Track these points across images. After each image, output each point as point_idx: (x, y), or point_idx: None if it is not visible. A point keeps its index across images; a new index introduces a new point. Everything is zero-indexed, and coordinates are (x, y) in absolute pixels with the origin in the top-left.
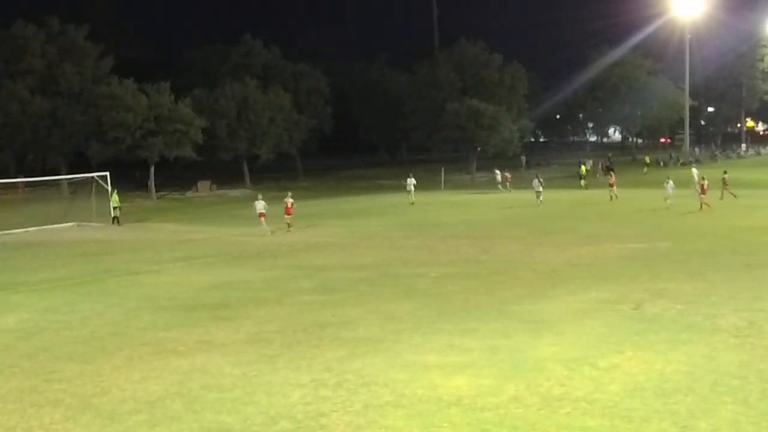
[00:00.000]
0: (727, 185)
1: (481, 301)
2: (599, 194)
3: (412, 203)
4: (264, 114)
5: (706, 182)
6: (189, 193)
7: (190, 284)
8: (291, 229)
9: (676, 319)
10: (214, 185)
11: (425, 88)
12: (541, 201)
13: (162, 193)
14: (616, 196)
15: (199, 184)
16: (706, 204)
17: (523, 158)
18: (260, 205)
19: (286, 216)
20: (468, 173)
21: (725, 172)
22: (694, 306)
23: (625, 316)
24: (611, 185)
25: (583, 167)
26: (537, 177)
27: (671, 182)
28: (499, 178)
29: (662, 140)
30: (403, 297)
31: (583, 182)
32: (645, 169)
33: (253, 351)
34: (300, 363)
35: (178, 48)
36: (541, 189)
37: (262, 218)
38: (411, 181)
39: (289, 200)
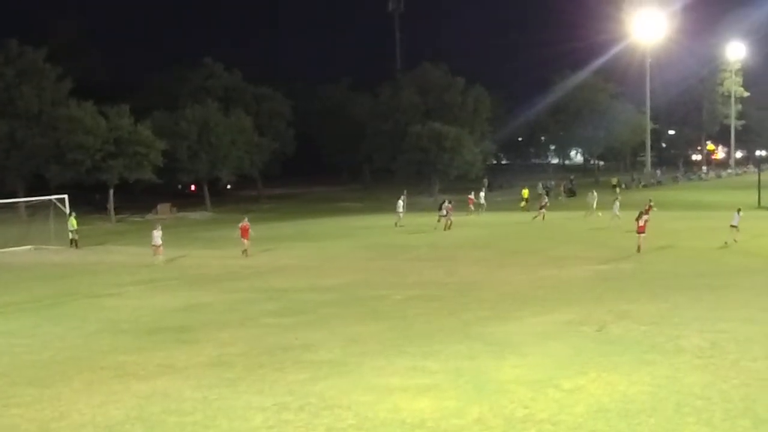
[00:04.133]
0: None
1: (445, 323)
2: (562, 217)
3: (396, 224)
4: (225, 136)
5: (645, 218)
6: (149, 216)
7: (152, 307)
8: (247, 254)
9: (639, 340)
10: (175, 208)
11: (388, 110)
12: (440, 225)
13: (122, 216)
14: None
15: (159, 206)
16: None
17: (485, 181)
18: (157, 236)
19: (243, 240)
20: (430, 196)
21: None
22: (657, 327)
23: (588, 338)
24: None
25: (525, 191)
26: (447, 201)
27: (617, 203)
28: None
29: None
30: (367, 319)
31: (523, 203)
32: (617, 190)
33: (214, 374)
34: (262, 386)
35: (139, 70)
36: (445, 213)
37: (159, 250)
38: (401, 203)
39: (246, 224)
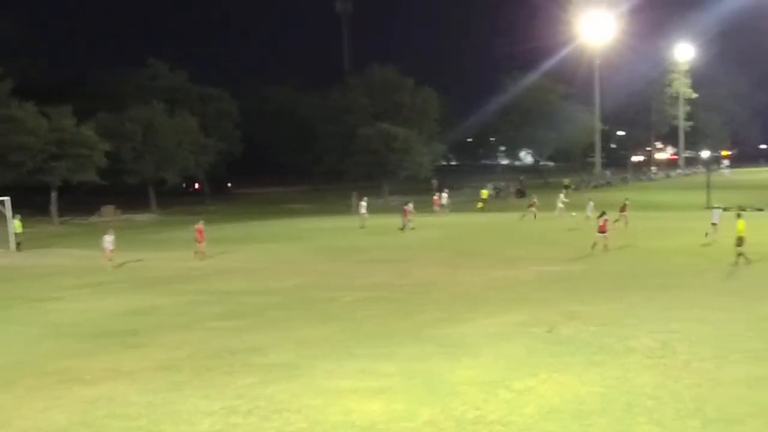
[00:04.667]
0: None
1: (397, 325)
2: (513, 217)
3: (361, 226)
4: (171, 137)
5: (606, 216)
6: (93, 218)
7: (97, 311)
8: (202, 256)
9: (590, 341)
10: (119, 210)
11: (337, 111)
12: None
13: (65, 219)
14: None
15: (103, 208)
16: (605, 245)
17: (435, 182)
18: (109, 240)
19: (198, 243)
20: (381, 197)
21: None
22: (608, 328)
23: (539, 339)
24: (531, 205)
25: (484, 191)
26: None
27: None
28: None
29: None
30: (317, 322)
31: (480, 204)
32: (567, 191)
33: (161, 378)
34: (210, 390)
35: (82, 71)
36: (365, 212)
37: (110, 255)
38: (364, 204)
39: (200, 226)
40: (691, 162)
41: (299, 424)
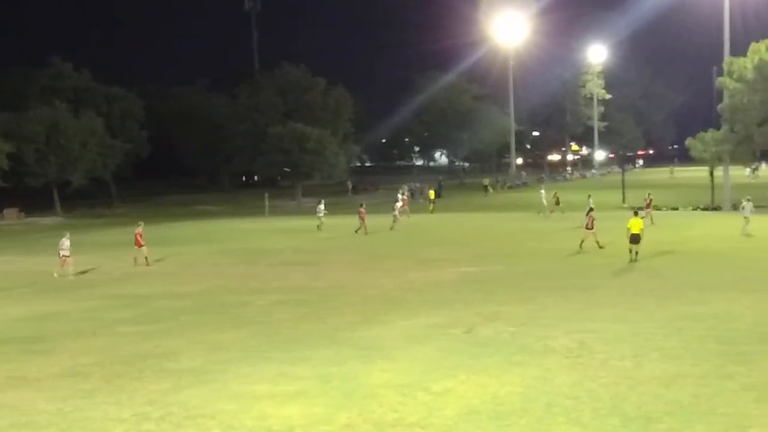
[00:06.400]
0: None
1: (312, 328)
2: (432, 218)
3: (319, 227)
4: (75, 138)
5: (593, 214)
6: None
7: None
8: (146, 261)
9: (508, 342)
10: (22, 213)
11: (247, 111)
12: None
13: None
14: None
15: (5, 211)
16: (596, 242)
17: (350, 183)
18: (66, 245)
19: (136, 248)
20: (293, 199)
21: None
22: (526, 328)
23: (457, 340)
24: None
25: (432, 192)
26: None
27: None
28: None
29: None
30: (230, 326)
31: (431, 206)
32: (489, 191)
33: (69, 386)
34: (120, 397)
35: None
36: (322, 215)
37: (68, 260)
38: (321, 207)
39: (141, 230)
40: (608, 162)
41: (213, 430)
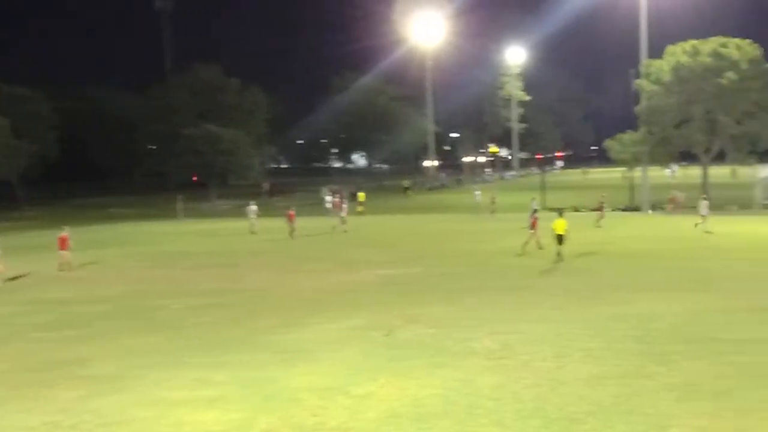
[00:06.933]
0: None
1: (230, 332)
2: (354, 221)
3: (251, 230)
4: None
5: (537, 215)
6: None
7: None
8: (69, 267)
9: (429, 344)
10: None
11: (159, 112)
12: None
13: None
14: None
15: None
16: (537, 243)
17: (266, 185)
18: None
19: (61, 252)
20: (208, 201)
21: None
22: (447, 330)
23: (378, 343)
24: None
25: (361, 194)
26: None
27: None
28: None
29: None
30: (146, 331)
31: (360, 208)
32: (408, 193)
33: None
34: (31, 405)
35: None
36: (253, 217)
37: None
38: (253, 209)
39: (64, 234)
40: (527, 163)
41: None
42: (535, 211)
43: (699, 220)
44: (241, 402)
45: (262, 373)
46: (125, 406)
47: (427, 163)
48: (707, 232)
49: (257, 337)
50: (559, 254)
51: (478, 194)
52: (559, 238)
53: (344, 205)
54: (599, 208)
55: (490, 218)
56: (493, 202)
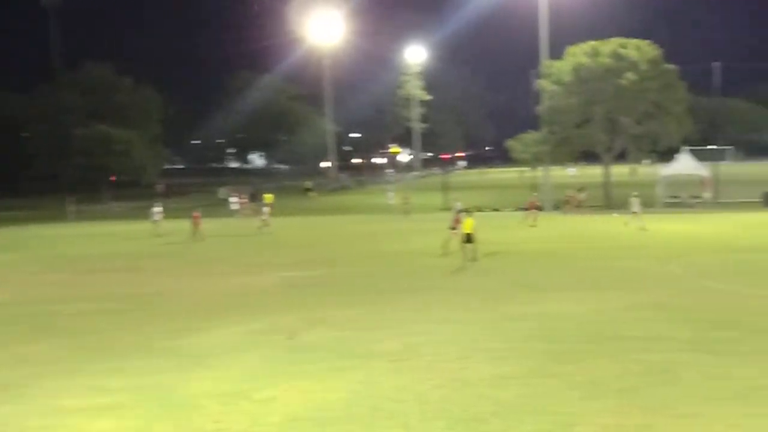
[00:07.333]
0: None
1: (127, 338)
2: (256, 222)
3: (155, 231)
4: None
5: (461, 214)
6: None
7: None
8: None
9: (333, 347)
10: None
11: (48, 112)
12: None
13: None
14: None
15: None
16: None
17: (160, 186)
18: None
19: None
20: (102, 203)
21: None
22: (351, 332)
23: (280, 347)
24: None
25: (268, 196)
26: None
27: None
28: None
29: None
30: (37, 337)
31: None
32: (310, 194)
33: None
34: None
35: None
36: (157, 219)
37: None
38: (157, 210)
39: None
40: (429, 163)
41: None
42: (459, 211)
43: (629, 218)
44: (139, 409)
45: (160, 379)
46: (19, 416)
47: (326, 164)
48: (642, 229)
49: (156, 342)
50: (471, 253)
51: (391, 195)
52: (468, 237)
53: (265, 208)
54: (531, 208)
55: (404, 219)
56: (406, 203)
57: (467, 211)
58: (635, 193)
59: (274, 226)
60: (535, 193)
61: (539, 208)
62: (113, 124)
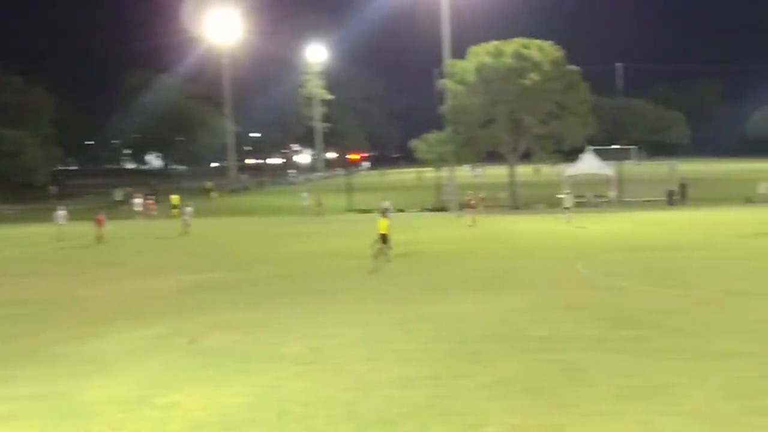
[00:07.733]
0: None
1: (20, 345)
2: (155, 225)
3: (58, 237)
4: None
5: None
6: None
7: None
8: None
9: (236, 351)
10: None
11: None
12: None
13: None
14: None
15: None
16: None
17: (53, 188)
18: None
19: None
20: None
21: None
22: (254, 336)
23: (182, 351)
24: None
25: (174, 197)
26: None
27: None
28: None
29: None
30: None
31: (175, 211)
32: (212, 195)
33: None
34: None
35: None
36: (62, 222)
37: None
38: (61, 214)
39: None
40: (334, 163)
41: None
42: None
43: (566, 215)
44: (33, 418)
45: (56, 386)
46: None
47: (226, 164)
48: (579, 227)
49: (51, 348)
50: (384, 254)
51: (305, 195)
52: (383, 238)
53: (188, 209)
54: (474, 206)
55: (318, 221)
56: (319, 204)
57: (384, 211)
58: (567, 191)
59: (174, 228)
60: (471, 192)
61: (473, 207)
62: (1, 125)
